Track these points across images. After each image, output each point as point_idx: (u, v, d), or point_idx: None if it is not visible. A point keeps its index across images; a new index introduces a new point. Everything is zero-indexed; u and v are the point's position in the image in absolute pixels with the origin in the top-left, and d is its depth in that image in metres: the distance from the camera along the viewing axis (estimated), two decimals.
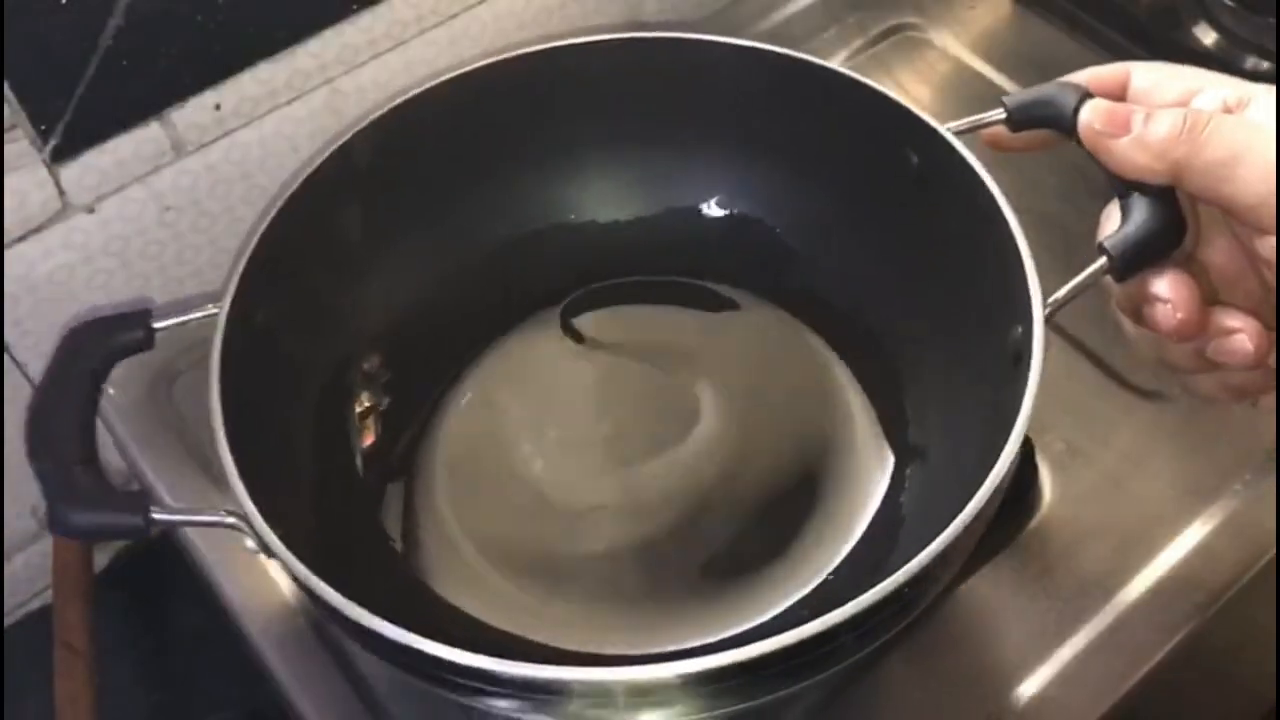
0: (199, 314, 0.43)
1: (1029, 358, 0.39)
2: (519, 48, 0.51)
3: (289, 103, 0.59)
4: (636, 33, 0.52)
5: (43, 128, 0.52)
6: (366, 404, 0.52)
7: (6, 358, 0.57)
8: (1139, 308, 0.41)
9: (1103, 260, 0.40)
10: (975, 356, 0.46)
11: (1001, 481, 0.37)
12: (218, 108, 0.56)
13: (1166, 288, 0.40)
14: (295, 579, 0.38)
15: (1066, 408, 0.54)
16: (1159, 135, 0.39)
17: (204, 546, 0.53)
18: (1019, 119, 0.43)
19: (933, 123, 0.46)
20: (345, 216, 0.50)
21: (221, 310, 0.43)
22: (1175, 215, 0.40)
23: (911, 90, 0.47)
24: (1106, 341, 0.56)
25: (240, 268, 0.44)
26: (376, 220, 0.51)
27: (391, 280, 0.53)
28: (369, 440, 0.51)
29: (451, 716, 0.48)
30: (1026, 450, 0.52)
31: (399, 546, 0.49)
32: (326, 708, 0.48)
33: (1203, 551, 0.50)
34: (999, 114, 0.44)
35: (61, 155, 0.53)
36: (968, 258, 0.46)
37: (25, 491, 0.63)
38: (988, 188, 0.44)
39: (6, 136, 0.51)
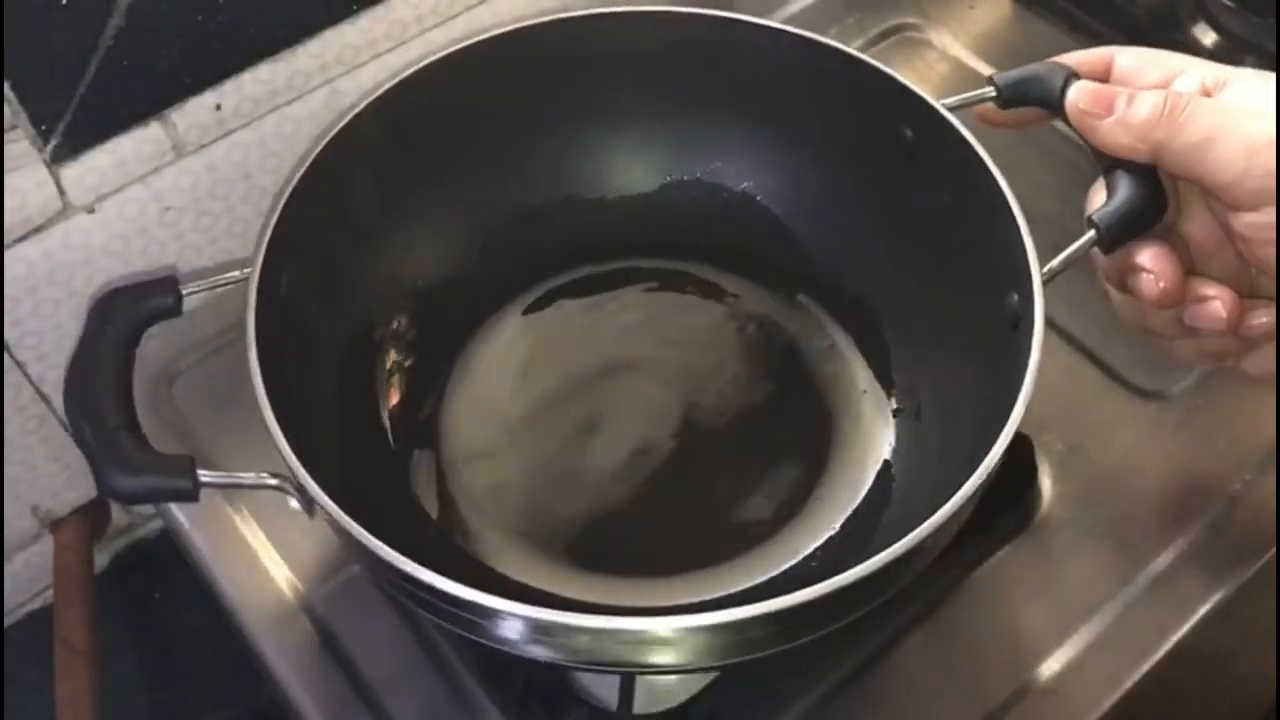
0: (226, 279, 0.44)
1: (1029, 322, 0.41)
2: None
3: (289, 103, 0.59)
4: (640, 6, 0.52)
5: (43, 128, 0.52)
6: (389, 370, 0.53)
7: (6, 358, 0.57)
8: (1124, 277, 0.43)
9: (1091, 233, 0.42)
10: (971, 323, 0.47)
11: (1006, 446, 0.39)
12: (218, 108, 0.56)
13: (1149, 259, 0.42)
14: (341, 534, 0.38)
15: (1066, 408, 0.54)
16: (1140, 117, 0.41)
17: (204, 546, 0.53)
18: (1008, 96, 0.46)
19: (927, 97, 0.47)
20: (362, 182, 0.51)
21: (253, 274, 0.43)
22: (1157, 191, 0.42)
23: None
24: (1106, 341, 0.56)
25: (267, 234, 0.44)
26: (393, 187, 0.52)
27: (411, 244, 0.54)
28: (394, 401, 0.52)
29: (451, 714, 0.48)
30: (1026, 450, 0.53)
31: (426, 505, 0.50)
32: (326, 708, 0.48)
33: (1203, 551, 0.50)
34: (989, 91, 0.46)
35: (62, 155, 0.53)
36: (962, 227, 0.48)
37: (25, 491, 0.63)
38: (982, 159, 0.45)
39: (6, 136, 0.51)
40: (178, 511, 0.54)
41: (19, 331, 0.57)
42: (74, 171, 0.54)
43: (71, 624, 0.61)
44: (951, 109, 0.47)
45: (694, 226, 0.57)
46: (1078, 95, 0.43)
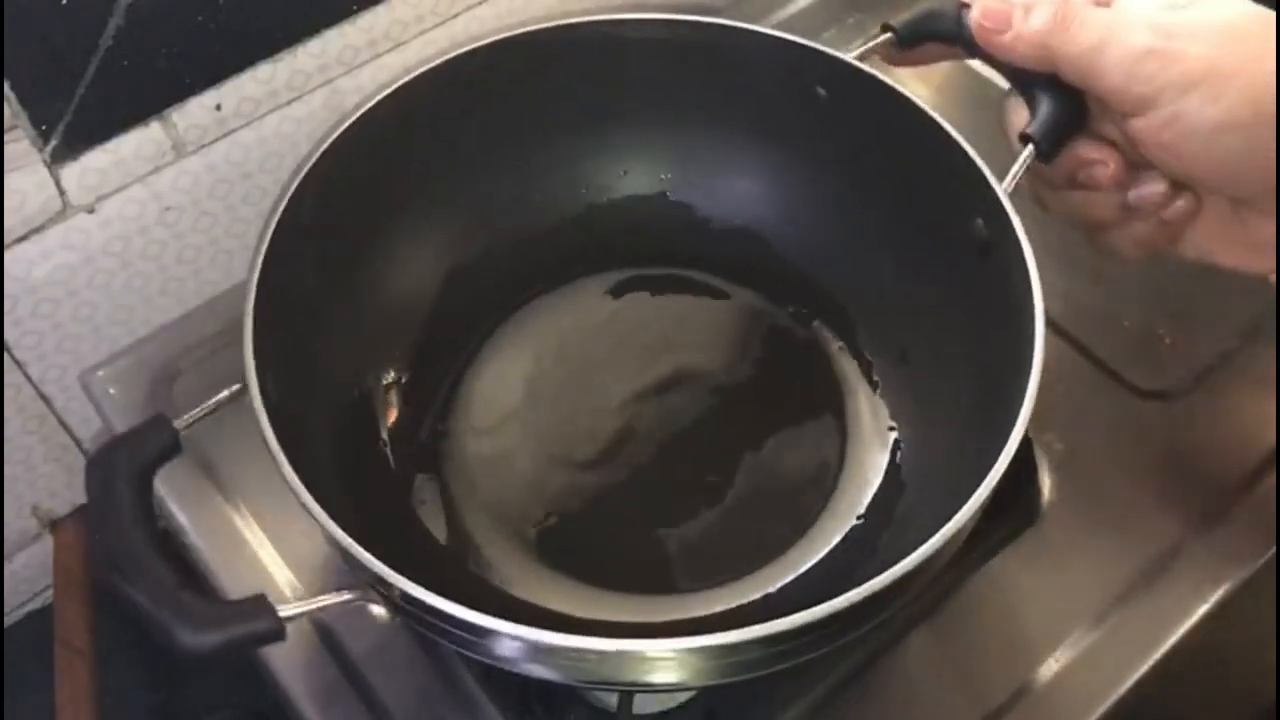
0: (216, 401, 0.43)
1: (1006, 240, 0.43)
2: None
3: (289, 103, 0.59)
4: (659, 14, 0.52)
5: (43, 128, 0.52)
6: (386, 387, 0.53)
7: (6, 358, 0.57)
8: (1074, 176, 0.46)
9: (1030, 148, 0.45)
10: (947, 276, 0.49)
11: (1015, 450, 0.39)
12: (218, 108, 0.56)
13: (1094, 150, 0.45)
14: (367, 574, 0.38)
15: (1066, 408, 0.54)
16: (1035, 27, 0.44)
17: (204, 546, 0.53)
18: (905, 35, 0.49)
19: (833, 51, 0.50)
20: (361, 190, 0.51)
21: (248, 373, 0.42)
22: (1076, 94, 0.45)
23: (910, 90, 0.49)
24: (1106, 341, 0.56)
25: (248, 325, 0.43)
26: (394, 196, 0.52)
27: (406, 259, 0.54)
28: (392, 420, 0.52)
29: (451, 715, 0.48)
30: (1026, 450, 0.52)
31: (426, 522, 0.50)
32: (326, 708, 0.48)
33: (1202, 551, 0.50)
34: (887, 36, 0.49)
35: (61, 155, 0.53)
36: (907, 175, 0.50)
37: (25, 491, 0.63)
38: (906, 96, 0.47)
39: (6, 136, 0.51)
40: (178, 511, 0.54)
41: (19, 331, 0.57)
42: (74, 171, 0.54)
43: (72, 624, 0.61)
44: (859, 59, 0.49)
45: (688, 233, 0.57)
46: (979, 13, 0.45)
